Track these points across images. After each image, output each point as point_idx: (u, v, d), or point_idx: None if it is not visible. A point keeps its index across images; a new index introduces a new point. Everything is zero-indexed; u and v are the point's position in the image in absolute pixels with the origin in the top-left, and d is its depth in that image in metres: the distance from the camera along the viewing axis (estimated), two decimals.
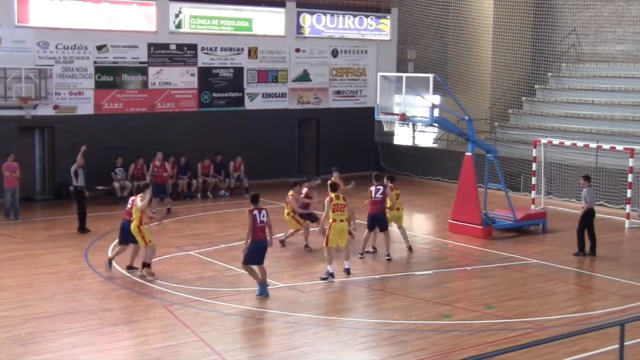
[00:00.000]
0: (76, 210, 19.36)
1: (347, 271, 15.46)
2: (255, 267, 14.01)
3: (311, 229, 17.77)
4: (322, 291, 14.71)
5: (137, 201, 15.03)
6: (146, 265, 15.05)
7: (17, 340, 11.83)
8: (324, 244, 15.31)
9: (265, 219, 13.87)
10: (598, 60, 28.06)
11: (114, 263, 15.60)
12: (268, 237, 14.01)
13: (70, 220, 19.85)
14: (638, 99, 25.99)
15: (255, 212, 13.81)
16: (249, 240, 13.79)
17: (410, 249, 17.61)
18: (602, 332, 10.79)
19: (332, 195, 15.45)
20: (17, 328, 12.34)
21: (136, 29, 24.83)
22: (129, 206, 15.47)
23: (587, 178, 17.73)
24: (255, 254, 13.84)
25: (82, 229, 19.11)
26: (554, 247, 18.26)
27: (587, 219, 17.32)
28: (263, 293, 13.97)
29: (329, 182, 16.24)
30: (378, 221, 17.00)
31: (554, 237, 19.34)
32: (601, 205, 21.77)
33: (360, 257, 16.75)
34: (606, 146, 21.85)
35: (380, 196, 16.98)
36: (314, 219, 17.67)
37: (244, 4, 26.73)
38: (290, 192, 17.72)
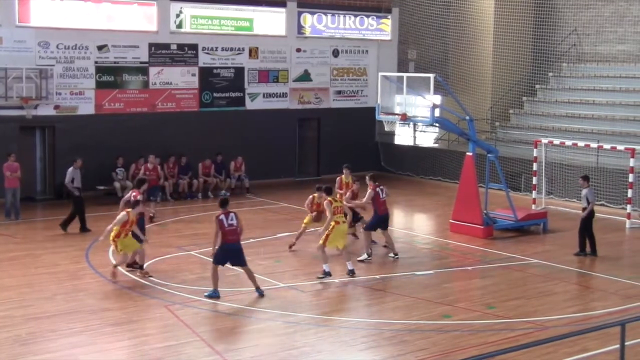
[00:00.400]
0: (71, 210, 19.29)
1: (352, 272, 15.42)
2: (240, 270, 14.12)
3: (311, 229, 17.69)
4: (322, 291, 14.71)
5: (120, 216, 15.00)
6: (116, 265, 15.29)
7: (18, 340, 11.83)
8: (321, 243, 15.29)
9: (233, 222, 13.88)
10: (599, 60, 28.05)
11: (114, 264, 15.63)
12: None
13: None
14: (639, 99, 25.97)
15: (222, 216, 13.81)
16: (216, 247, 13.86)
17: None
18: (603, 332, 10.78)
19: (330, 198, 15.63)
20: (17, 328, 12.34)
21: (137, 29, 24.83)
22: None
23: (586, 178, 17.70)
24: (224, 255, 13.89)
25: (83, 228, 19.12)
26: (555, 247, 18.25)
27: (589, 220, 17.30)
28: (258, 292, 14.02)
29: (324, 186, 16.26)
30: (385, 221, 17.10)
31: (555, 237, 19.32)
32: (602, 205, 21.78)
33: (369, 258, 16.69)
34: (607, 146, 21.84)
35: (386, 195, 17.07)
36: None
37: (245, 4, 26.73)
38: (315, 194, 17.49)
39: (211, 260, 14.12)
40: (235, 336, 12.40)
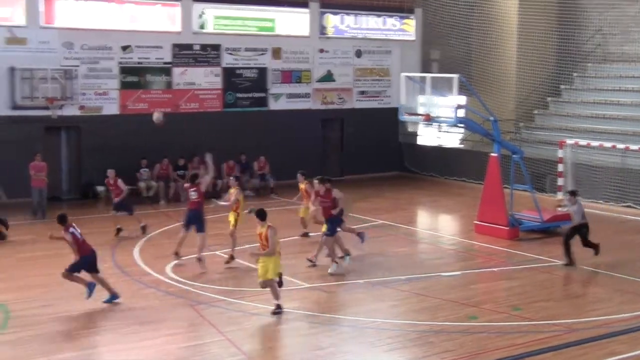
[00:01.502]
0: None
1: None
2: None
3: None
4: (347, 292, 14.68)
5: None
6: None
7: (43, 338, 11.88)
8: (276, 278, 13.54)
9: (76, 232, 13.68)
10: (624, 60, 27.77)
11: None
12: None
13: (96, 220, 20.00)
14: None
15: (72, 229, 13.60)
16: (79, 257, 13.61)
17: None
18: (632, 335, 10.67)
19: (268, 224, 13.12)
20: (43, 327, 12.41)
21: (160, 30, 24.94)
22: (194, 197, 15.92)
23: (574, 194, 17.22)
24: (84, 265, 13.65)
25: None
26: (581, 249, 17.98)
27: (582, 232, 16.79)
28: (113, 299, 13.64)
29: (256, 209, 13.46)
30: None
31: None
32: (629, 207, 21.57)
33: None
34: (634, 147, 21.62)
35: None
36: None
37: (268, 4, 26.76)
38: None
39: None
40: (261, 336, 12.38)
